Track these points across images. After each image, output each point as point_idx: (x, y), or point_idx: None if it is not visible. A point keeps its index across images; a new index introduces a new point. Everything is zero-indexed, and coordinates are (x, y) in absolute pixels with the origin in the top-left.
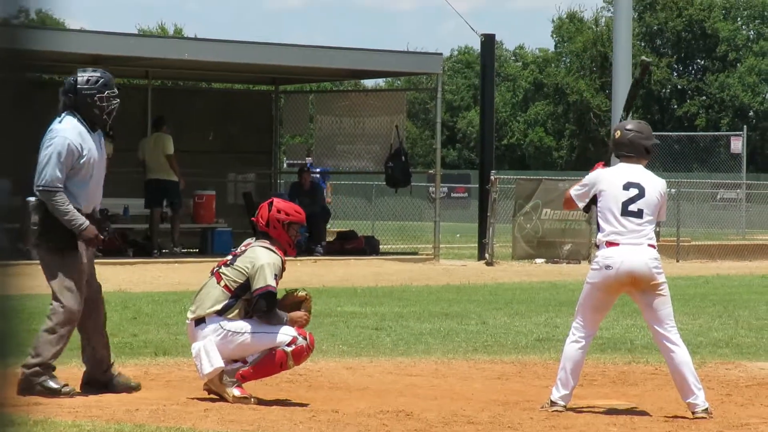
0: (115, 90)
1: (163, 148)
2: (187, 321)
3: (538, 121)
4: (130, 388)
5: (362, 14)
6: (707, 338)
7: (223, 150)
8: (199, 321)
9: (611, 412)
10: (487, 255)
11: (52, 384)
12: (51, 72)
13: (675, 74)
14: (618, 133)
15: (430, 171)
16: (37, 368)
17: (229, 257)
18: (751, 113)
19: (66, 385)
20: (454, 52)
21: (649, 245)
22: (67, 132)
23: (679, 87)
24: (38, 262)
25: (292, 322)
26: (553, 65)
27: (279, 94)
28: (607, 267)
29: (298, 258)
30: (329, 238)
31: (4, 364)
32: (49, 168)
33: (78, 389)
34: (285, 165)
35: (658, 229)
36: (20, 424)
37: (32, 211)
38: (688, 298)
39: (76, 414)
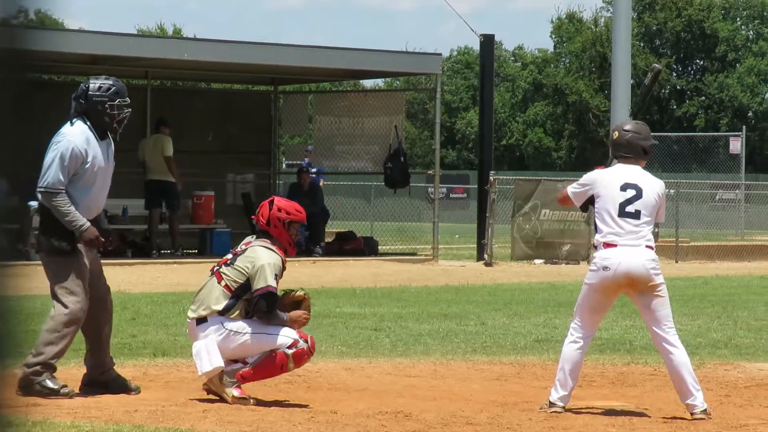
0: (127, 99)
1: (163, 149)
2: (188, 320)
3: (537, 122)
4: (129, 390)
5: (362, 14)
6: (706, 339)
7: (222, 150)
8: (201, 320)
9: (610, 413)
10: (486, 256)
11: (51, 384)
12: (50, 72)
13: (674, 74)
14: (616, 134)
15: (429, 171)
16: (37, 367)
17: (229, 256)
18: (750, 114)
19: (65, 386)
20: (454, 52)
21: (647, 246)
22: (73, 136)
23: (678, 87)
24: (38, 263)
25: (292, 322)
26: (552, 66)
27: (278, 94)
28: (605, 268)
29: (297, 259)
30: (328, 239)
31: (2, 365)
32: (52, 170)
33: (77, 390)
34: (284, 165)
35: (656, 230)
36: (19, 425)
37: (34, 215)
38: (687, 298)
39: (75, 415)
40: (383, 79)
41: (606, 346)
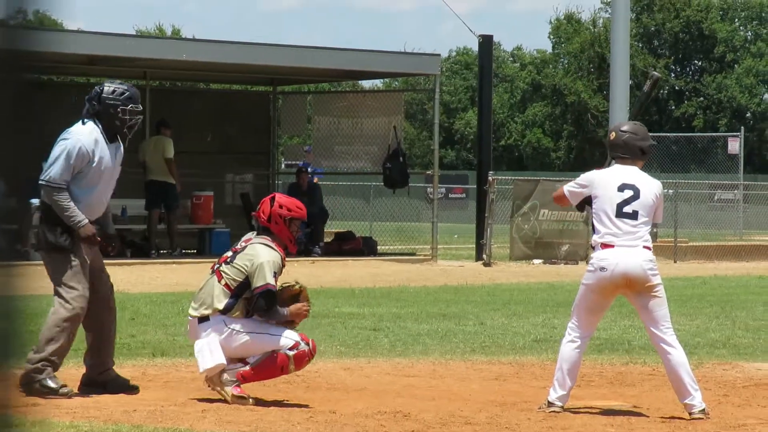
0: (140, 106)
1: (164, 151)
2: (189, 318)
3: (535, 122)
4: (129, 389)
5: (361, 15)
6: (704, 339)
7: (221, 151)
8: (203, 319)
9: (609, 412)
10: (484, 256)
11: (50, 383)
12: (49, 73)
13: (672, 75)
14: (613, 135)
15: (428, 172)
16: (39, 364)
17: (229, 254)
18: (748, 114)
19: (64, 385)
20: (452, 53)
21: (645, 247)
22: (82, 135)
23: (676, 88)
24: (39, 262)
25: (294, 316)
26: (550, 66)
27: (277, 94)
28: (602, 269)
29: (296, 259)
30: (327, 239)
31: (6, 365)
32: (56, 166)
33: (76, 390)
34: (283, 166)
35: (655, 231)
36: (18, 425)
37: (35, 213)
38: (685, 299)
39: (74, 415)
40: (382, 80)
41: (604, 345)
